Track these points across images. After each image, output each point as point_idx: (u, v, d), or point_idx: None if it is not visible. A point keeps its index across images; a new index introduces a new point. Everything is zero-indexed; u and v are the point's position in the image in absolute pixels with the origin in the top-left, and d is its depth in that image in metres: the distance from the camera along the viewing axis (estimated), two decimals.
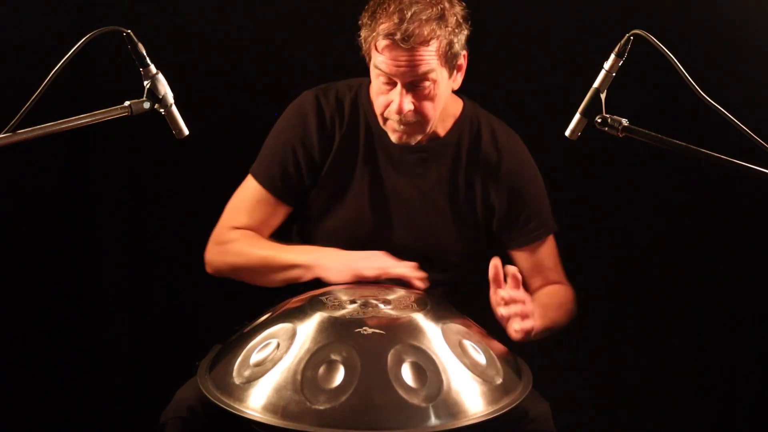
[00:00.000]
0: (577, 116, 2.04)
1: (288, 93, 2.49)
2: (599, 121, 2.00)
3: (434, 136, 2.39)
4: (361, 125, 2.40)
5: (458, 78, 2.31)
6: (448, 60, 2.23)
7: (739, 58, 2.79)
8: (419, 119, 2.26)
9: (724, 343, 2.98)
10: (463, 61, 2.30)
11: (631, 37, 1.96)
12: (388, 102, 2.25)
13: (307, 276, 2.28)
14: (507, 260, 2.35)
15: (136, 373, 2.98)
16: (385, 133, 2.36)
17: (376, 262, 2.25)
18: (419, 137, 2.31)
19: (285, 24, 2.84)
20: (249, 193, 2.41)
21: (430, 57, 2.19)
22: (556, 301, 2.39)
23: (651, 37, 1.95)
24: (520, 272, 2.15)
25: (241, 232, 2.38)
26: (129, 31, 1.92)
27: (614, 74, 2.00)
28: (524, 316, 2.06)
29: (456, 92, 2.44)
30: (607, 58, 1.99)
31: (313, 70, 2.53)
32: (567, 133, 2.06)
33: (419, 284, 2.24)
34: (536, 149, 2.62)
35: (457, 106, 2.43)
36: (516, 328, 2.05)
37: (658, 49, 1.94)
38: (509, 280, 2.08)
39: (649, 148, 2.01)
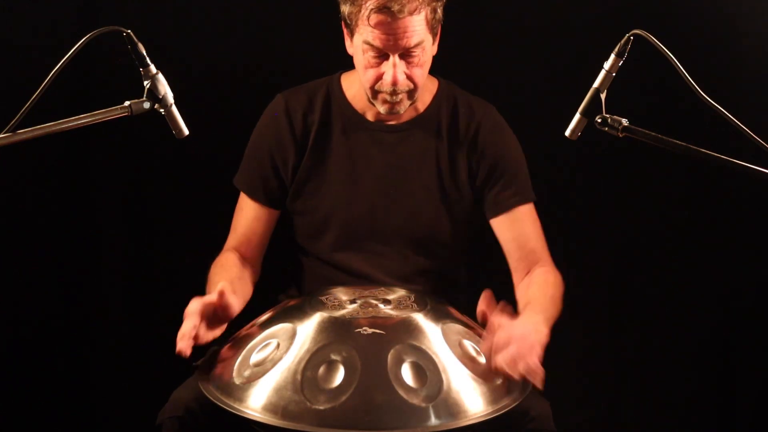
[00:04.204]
0: (577, 116, 2.04)
1: None
2: (599, 121, 2.00)
3: (414, 112, 2.41)
4: (335, 115, 2.42)
5: (436, 44, 2.33)
6: (433, 27, 2.26)
7: (739, 57, 2.79)
8: (411, 87, 2.28)
9: (725, 343, 2.98)
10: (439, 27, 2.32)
11: (631, 37, 1.96)
12: (379, 74, 2.26)
13: None
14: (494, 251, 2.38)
15: (133, 374, 2.97)
16: (363, 119, 2.40)
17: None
18: (408, 104, 2.32)
19: (285, 23, 2.84)
20: (239, 206, 2.44)
21: (420, 26, 2.21)
22: (549, 294, 2.26)
23: (651, 37, 1.94)
24: (503, 248, 2.28)
25: (220, 262, 2.35)
26: (129, 31, 1.92)
27: (614, 74, 2.00)
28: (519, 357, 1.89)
29: (451, 80, 2.45)
30: (607, 58, 2.00)
31: (314, 69, 2.52)
32: (567, 133, 2.06)
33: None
34: (536, 149, 2.62)
35: (432, 82, 2.46)
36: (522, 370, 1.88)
37: (658, 49, 1.94)
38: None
39: (649, 148, 2.00)
